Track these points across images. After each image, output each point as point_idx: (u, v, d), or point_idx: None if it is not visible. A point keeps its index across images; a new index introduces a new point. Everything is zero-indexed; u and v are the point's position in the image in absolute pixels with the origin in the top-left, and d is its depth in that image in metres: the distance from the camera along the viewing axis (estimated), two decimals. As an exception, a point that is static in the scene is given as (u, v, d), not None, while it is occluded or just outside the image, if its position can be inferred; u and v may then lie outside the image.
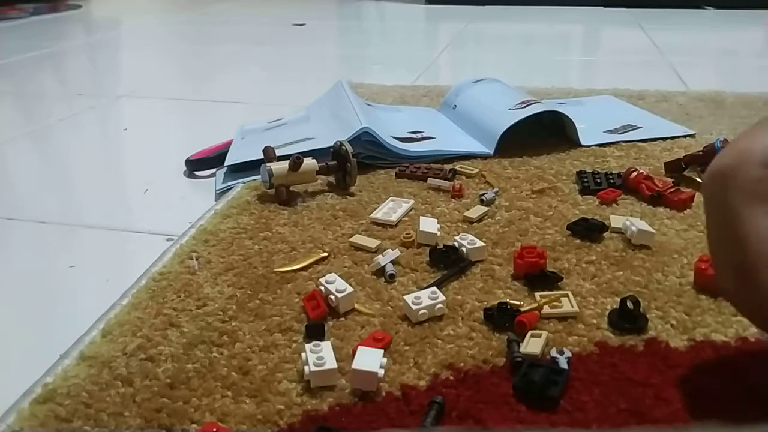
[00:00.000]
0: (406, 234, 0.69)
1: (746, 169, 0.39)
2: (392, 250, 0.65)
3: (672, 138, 0.99)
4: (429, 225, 0.68)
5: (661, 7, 2.50)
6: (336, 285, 0.57)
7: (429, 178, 0.83)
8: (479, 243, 0.65)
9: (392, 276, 0.62)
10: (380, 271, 0.63)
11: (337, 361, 0.49)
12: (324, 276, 0.59)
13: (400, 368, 0.50)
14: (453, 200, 0.79)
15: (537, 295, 0.58)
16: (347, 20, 2.65)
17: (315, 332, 0.53)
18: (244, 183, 0.85)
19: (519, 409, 0.45)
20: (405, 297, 0.56)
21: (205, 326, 0.55)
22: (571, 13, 2.50)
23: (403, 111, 1.13)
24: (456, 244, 0.65)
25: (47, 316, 0.61)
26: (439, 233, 0.68)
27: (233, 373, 0.50)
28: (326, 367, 0.48)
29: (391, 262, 0.63)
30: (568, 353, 0.50)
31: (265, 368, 0.50)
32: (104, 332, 0.55)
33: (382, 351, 0.49)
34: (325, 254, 0.66)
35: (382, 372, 0.48)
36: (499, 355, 0.51)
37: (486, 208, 0.75)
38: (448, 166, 0.87)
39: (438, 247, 0.65)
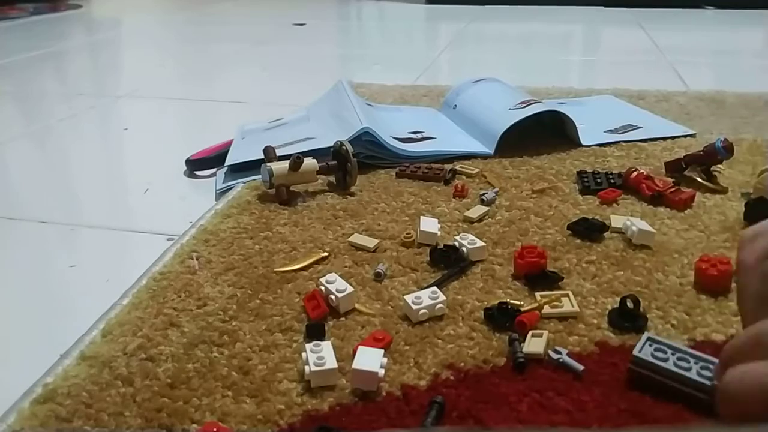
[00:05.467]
0: (407, 234, 0.69)
1: None
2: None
3: (672, 138, 0.99)
4: (429, 225, 0.68)
5: (661, 7, 2.50)
6: (336, 285, 0.57)
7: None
8: (479, 243, 0.65)
9: (378, 275, 0.62)
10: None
11: (337, 360, 0.49)
12: (324, 276, 0.59)
13: (401, 368, 0.50)
14: (453, 200, 0.79)
15: (537, 294, 0.58)
16: (347, 20, 2.65)
17: (315, 332, 0.53)
18: (245, 183, 0.85)
19: (519, 409, 0.45)
20: (405, 297, 0.56)
21: (206, 326, 0.55)
22: (571, 13, 2.50)
23: (404, 111, 1.13)
24: (456, 243, 0.65)
25: (47, 316, 0.61)
26: (439, 233, 0.68)
27: (233, 373, 0.50)
28: (326, 366, 0.48)
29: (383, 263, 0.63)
30: (563, 352, 0.50)
31: (265, 368, 0.50)
32: (104, 332, 0.55)
33: (382, 351, 0.49)
34: (326, 254, 0.66)
35: (382, 372, 0.48)
36: (500, 355, 0.51)
37: (486, 208, 0.75)
38: (448, 166, 0.87)
39: (438, 247, 0.65)
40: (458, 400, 0.46)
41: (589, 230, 0.68)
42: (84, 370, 0.50)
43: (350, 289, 0.57)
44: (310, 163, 0.81)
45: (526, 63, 1.70)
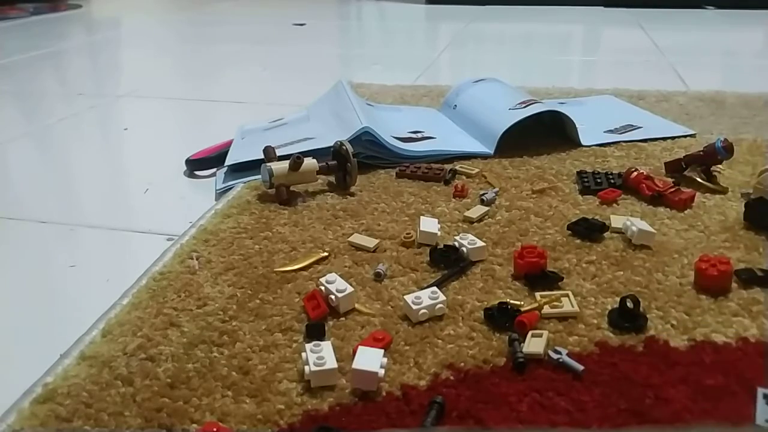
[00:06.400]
0: (407, 234, 0.69)
1: None
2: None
3: (672, 138, 0.99)
4: (429, 225, 0.68)
5: (661, 7, 2.50)
6: (336, 285, 0.57)
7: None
8: (479, 243, 0.65)
9: (378, 275, 0.62)
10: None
11: (337, 360, 0.49)
12: (324, 276, 0.59)
13: (401, 368, 0.50)
14: (453, 200, 0.79)
15: (537, 295, 0.58)
16: (347, 20, 2.65)
17: (315, 332, 0.53)
18: (245, 183, 0.85)
19: (519, 409, 0.45)
20: (405, 297, 0.56)
21: (206, 326, 0.55)
22: (571, 13, 2.50)
23: (404, 111, 1.13)
24: (456, 244, 0.65)
25: (47, 316, 0.61)
26: (439, 233, 0.68)
27: (233, 373, 0.50)
28: (326, 366, 0.48)
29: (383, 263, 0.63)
30: (563, 352, 0.50)
31: (265, 368, 0.50)
32: (104, 332, 0.55)
33: (382, 351, 0.49)
34: (326, 254, 0.66)
35: (382, 372, 0.48)
36: (500, 355, 0.51)
37: (486, 208, 0.75)
38: (448, 166, 0.87)
39: (438, 247, 0.65)
40: (458, 400, 0.46)
41: (589, 230, 0.68)
42: (84, 370, 0.50)
43: (350, 289, 0.57)
44: (310, 163, 0.81)
45: (526, 63, 1.70)
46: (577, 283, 0.60)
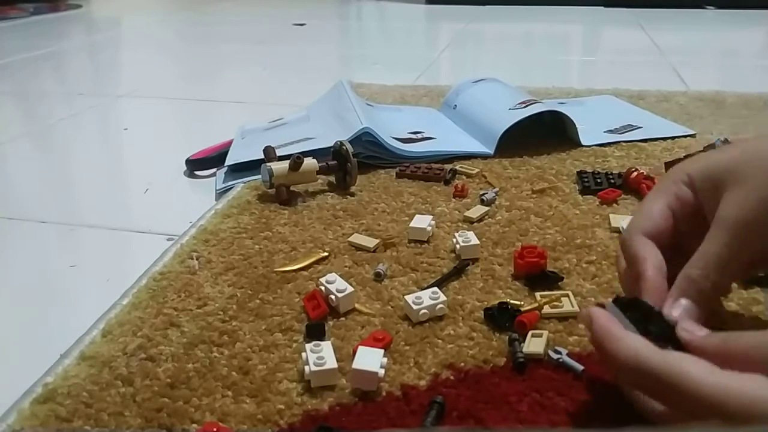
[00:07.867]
0: (387, 236, 0.69)
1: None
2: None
3: (672, 138, 0.99)
4: (420, 221, 0.68)
5: (661, 7, 2.50)
6: (336, 285, 0.57)
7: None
8: (474, 241, 0.65)
9: (378, 275, 0.62)
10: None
11: (337, 360, 0.49)
12: (324, 276, 0.59)
13: (401, 368, 0.50)
14: (453, 200, 0.79)
15: (537, 295, 0.58)
16: (347, 20, 2.65)
17: (315, 332, 0.53)
18: (245, 183, 0.85)
19: (519, 409, 0.45)
20: (406, 297, 0.56)
21: (206, 326, 0.55)
22: (571, 13, 2.50)
23: (404, 111, 1.13)
24: (454, 241, 0.65)
25: (47, 316, 0.61)
26: (429, 229, 0.68)
27: (233, 373, 0.50)
28: (327, 366, 0.48)
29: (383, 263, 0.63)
30: (563, 352, 0.50)
31: (265, 368, 0.50)
32: (104, 332, 0.55)
33: (382, 351, 0.49)
34: (326, 254, 0.66)
35: (382, 372, 0.48)
36: (500, 355, 0.51)
37: (486, 208, 0.75)
38: (448, 166, 0.87)
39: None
40: (458, 400, 0.46)
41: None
42: (84, 370, 0.50)
43: (350, 289, 0.57)
44: (310, 163, 0.81)
45: (526, 63, 1.70)
46: (577, 283, 0.60)
